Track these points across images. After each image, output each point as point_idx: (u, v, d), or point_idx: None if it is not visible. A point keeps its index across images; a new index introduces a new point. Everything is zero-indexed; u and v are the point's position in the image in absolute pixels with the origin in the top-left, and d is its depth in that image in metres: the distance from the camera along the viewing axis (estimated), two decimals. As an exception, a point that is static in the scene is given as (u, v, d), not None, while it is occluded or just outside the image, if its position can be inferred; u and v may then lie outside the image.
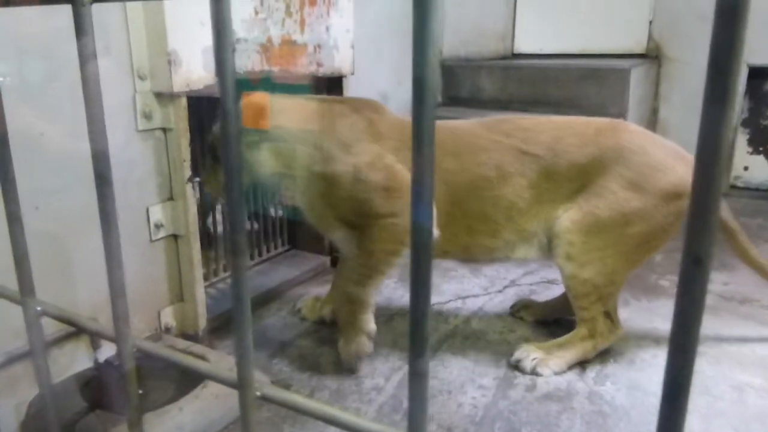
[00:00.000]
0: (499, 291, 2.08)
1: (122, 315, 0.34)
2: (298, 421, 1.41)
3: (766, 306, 1.99)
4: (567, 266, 1.53)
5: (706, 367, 1.63)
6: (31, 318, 0.40)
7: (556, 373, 1.58)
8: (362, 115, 1.57)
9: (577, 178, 1.51)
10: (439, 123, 1.56)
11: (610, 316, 1.61)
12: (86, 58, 0.36)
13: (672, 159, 1.52)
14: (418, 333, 0.27)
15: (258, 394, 0.32)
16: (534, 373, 1.57)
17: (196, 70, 1.55)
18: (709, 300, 2.02)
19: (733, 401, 1.49)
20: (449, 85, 2.96)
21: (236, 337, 0.31)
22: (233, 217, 0.31)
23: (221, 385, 1.32)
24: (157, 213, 1.63)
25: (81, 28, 0.36)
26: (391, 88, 2.54)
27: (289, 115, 1.58)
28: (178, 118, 1.57)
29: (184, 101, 1.58)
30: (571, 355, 1.60)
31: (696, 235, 0.22)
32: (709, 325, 1.85)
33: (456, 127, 1.61)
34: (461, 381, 1.56)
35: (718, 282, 2.17)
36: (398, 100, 2.61)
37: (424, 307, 0.28)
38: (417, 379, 0.28)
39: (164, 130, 1.60)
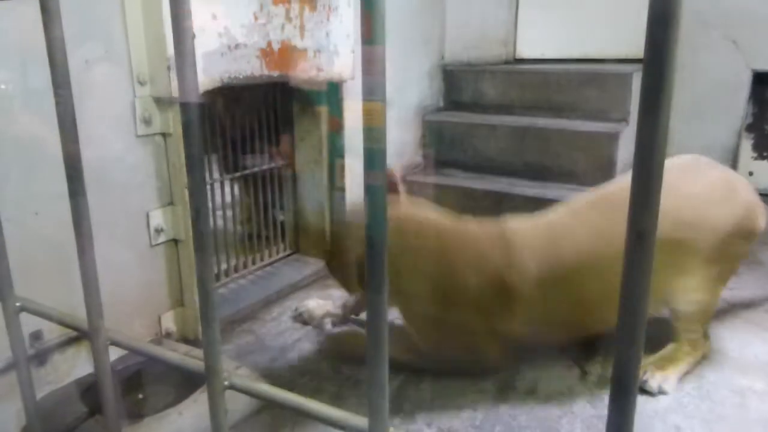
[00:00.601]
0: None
1: (96, 309, 0.35)
2: (298, 423, 1.40)
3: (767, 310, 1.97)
4: (685, 308, 1.57)
5: (708, 372, 1.61)
6: (11, 314, 0.40)
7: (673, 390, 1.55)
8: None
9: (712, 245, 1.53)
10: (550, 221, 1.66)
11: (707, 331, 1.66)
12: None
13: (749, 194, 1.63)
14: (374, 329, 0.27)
15: (226, 383, 0.32)
16: (660, 391, 1.52)
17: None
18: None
19: (735, 406, 1.47)
20: (451, 89, 2.97)
21: (204, 327, 0.31)
22: (197, 216, 0.31)
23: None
24: (158, 218, 1.64)
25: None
26: (394, 94, 2.54)
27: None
28: (178, 123, 1.58)
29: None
30: (682, 369, 1.59)
31: (638, 212, 0.22)
32: (711, 329, 1.83)
33: (574, 213, 1.66)
34: (461, 385, 1.56)
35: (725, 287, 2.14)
36: (401, 106, 2.61)
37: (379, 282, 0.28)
38: (376, 368, 0.28)
39: (164, 135, 1.61)
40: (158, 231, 1.65)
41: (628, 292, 0.24)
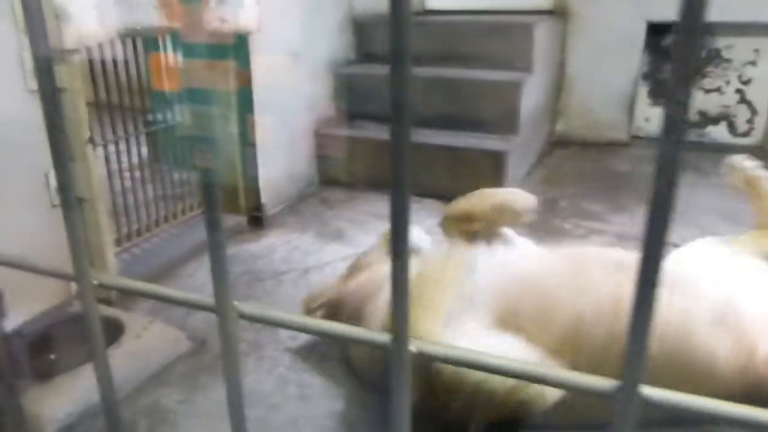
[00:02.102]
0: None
1: (81, 253, 0.37)
2: (214, 369, 1.44)
3: (655, 242, 2.15)
4: None
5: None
6: None
7: None
8: None
9: None
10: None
11: None
12: None
13: None
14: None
15: (237, 315, 0.34)
16: None
17: (88, 25, 1.50)
18: (606, 240, 2.18)
19: (620, 326, 1.63)
20: (362, 41, 2.97)
21: (213, 262, 0.33)
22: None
23: (135, 343, 1.32)
24: (57, 176, 1.59)
25: None
26: (303, 47, 2.53)
27: None
28: (73, 76, 1.52)
29: (78, 59, 1.53)
30: None
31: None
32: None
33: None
34: (374, 325, 1.63)
35: (616, 224, 2.33)
36: (311, 60, 2.60)
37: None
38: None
39: (58, 90, 1.55)
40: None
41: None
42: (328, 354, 1.52)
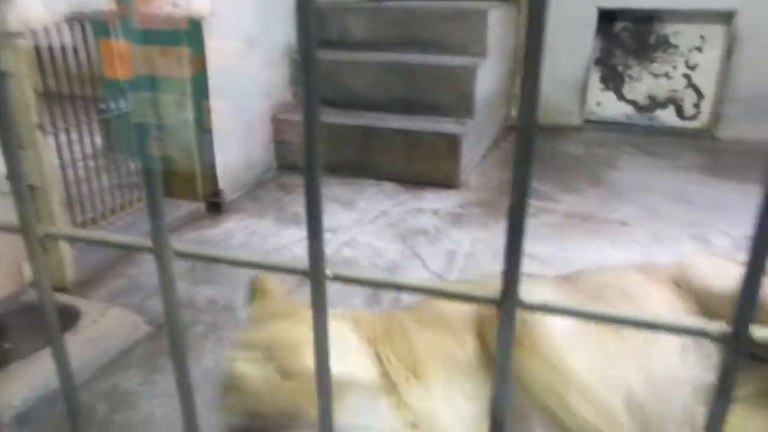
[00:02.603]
0: (370, 221, 2.19)
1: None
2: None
3: (603, 221, 2.24)
4: None
5: (548, 272, 1.83)
6: None
7: None
8: None
9: None
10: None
11: None
12: None
13: None
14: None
15: (330, 274, 0.36)
16: None
17: (33, 7, 1.48)
18: (556, 219, 2.25)
19: (569, 298, 1.70)
20: (319, 27, 2.96)
21: (309, 218, 0.35)
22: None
23: (92, 329, 1.32)
24: (6, 162, 1.56)
25: None
26: (258, 33, 2.52)
27: None
28: (18, 60, 1.50)
29: (23, 43, 1.51)
30: None
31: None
32: (555, 239, 2.06)
33: None
34: (332, 303, 1.66)
35: (565, 203, 2.40)
36: (267, 46, 2.59)
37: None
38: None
39: (3, 74, 1.52)
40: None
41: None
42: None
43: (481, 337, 0.99)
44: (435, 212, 2.29)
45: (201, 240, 2.06)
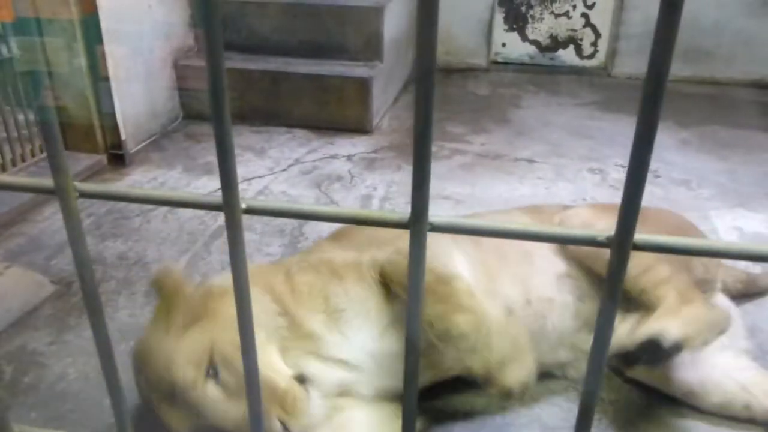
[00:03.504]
0: (284, 170, 2.16)
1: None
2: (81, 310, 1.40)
3: (512, 160, 2.33)
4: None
5: (461, 211, 1.90)
6: None
7: None
8: None
9: None
10: None
11: None
12: None
13: None
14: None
15: (244, 206, 0.34)
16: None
17: None
18: (467, 159, 2.32)
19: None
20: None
21: (220, 161, 0.32)
22: None
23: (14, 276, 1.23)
24: None
25: None
26: (141, 13, 2.31)
27: None
28: None
29: None
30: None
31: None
32: (467, 179, 2.13)
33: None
34: (250, 252, 1.65)
35: (476, 144, 2.47)
36: (151, 24, 2.40)
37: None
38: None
39: None
40: None
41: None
42: (203, 281, 1.52)
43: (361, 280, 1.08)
44: (348, 158, 2.29)
45: (105, 194, 1.96)
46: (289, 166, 2.19)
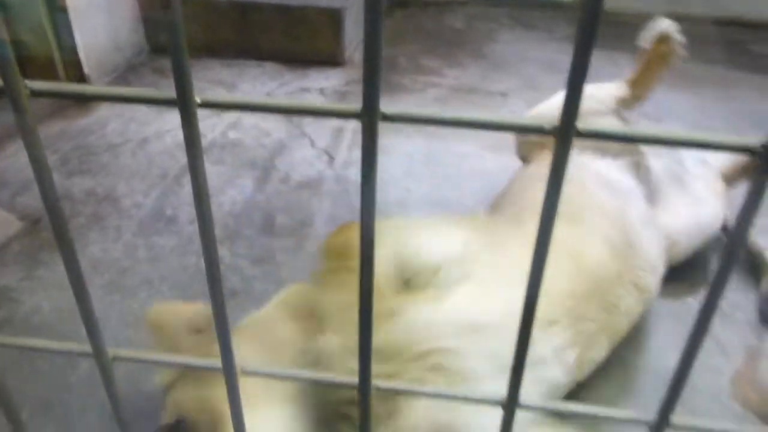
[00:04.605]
0: (255, 104, 2.12)
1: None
2: (52, 248, 1.39)
3: (485, 93, 2.32)
4: None
5: (433, 144, 1.90)
6: None
7: None
8: None
9: None
10: None
11: None
12: None
13: None
14: None
15: (199, 101, 0.33)
16: None
17: None
18: (442, 92, 2.30)
19: (453, 166, 1.78)
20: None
21: (174, 59, 0.31)
22: None
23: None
24: None
25: None
26: None
27: None
28: None
29: None
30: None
31: None
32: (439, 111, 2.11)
33: None
34: (221, 185, 1.64)
35: (450, 77, 2.45)
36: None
37: None
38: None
39: None
40: None
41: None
42: (176, 216, 1.52)
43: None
44: (321, 91, 2.25)
45: (71, 131, 1.91)
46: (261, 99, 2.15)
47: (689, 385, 1.16)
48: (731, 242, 0.32)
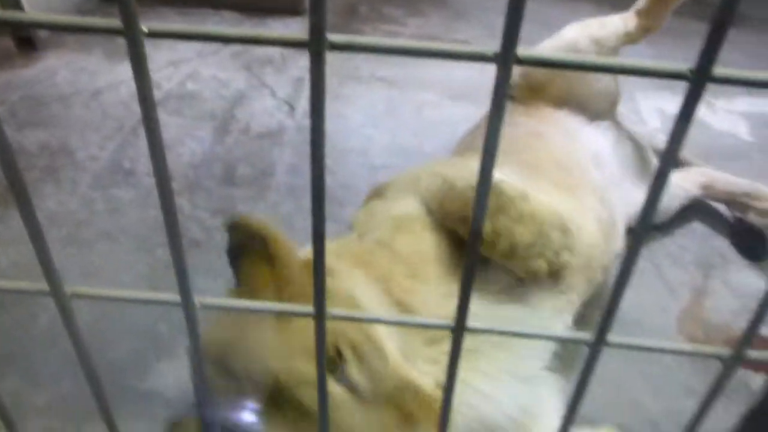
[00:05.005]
0: (213, 53, 2.07)
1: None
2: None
3: (447, 42, 2.30)
4: None
5: (394, 93, 1.89)
6: None
7: None
8: None
9: None
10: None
11: None
12: None
13: None
14: None
15: (146, 30, 0.31)
16: None
17: None
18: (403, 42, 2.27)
19: (413, 115, 1.79)
20: None
21: None
22: None
23: None
24: None
25: None
26: None
27: None
28: None
29: None
30: None
31: None
32: (401, 62, 2.10)
33: None
34: (180, 137, 1.61)
35: (412, 26, 2.42)
36: None
37: None
38: None
39: None
40: None
41: None
42: (134, 169, 1.49)
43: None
44: (280, 40, 2.20)
45: (17, 81, 1.84)
46: (218, 49, 2.10)
47: (638, 324, 1.22)
48: (662, 163, 0.34)
